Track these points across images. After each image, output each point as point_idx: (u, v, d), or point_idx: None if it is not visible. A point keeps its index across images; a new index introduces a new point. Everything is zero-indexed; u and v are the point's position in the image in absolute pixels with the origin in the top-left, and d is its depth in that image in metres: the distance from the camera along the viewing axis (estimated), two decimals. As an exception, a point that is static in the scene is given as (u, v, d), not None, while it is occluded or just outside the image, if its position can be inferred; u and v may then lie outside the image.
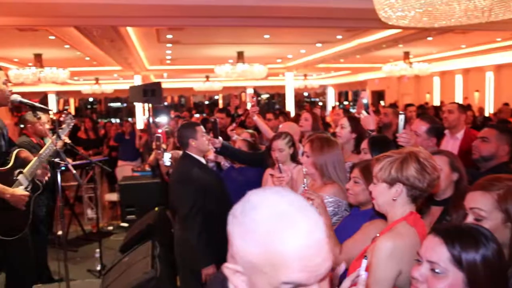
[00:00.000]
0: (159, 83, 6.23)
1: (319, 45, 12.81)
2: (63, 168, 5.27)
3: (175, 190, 3.08)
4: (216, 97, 28.20)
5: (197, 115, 15.31)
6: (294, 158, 3.20)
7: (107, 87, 21.87)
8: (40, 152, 2.87)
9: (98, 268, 4.57)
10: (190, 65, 17.15)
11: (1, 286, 4.04)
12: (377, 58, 15.18)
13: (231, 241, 0.90)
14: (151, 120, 6.36)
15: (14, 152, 2.72)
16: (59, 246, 5.22)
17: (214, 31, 10.39)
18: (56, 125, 3.10)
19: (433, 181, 1.65)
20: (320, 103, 27.25)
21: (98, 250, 4.66)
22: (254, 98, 4.59)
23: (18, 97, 2.73)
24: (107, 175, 6.87)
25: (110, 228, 5.94)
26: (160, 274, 3.03)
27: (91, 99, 28.80)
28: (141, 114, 17.35)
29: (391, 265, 1.57)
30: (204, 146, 3.13)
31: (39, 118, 2.81)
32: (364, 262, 1.21)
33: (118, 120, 20.35)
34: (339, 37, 11.40)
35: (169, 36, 10.85)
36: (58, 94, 24.29)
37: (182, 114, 11.50)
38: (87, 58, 14.06)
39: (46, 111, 2.98)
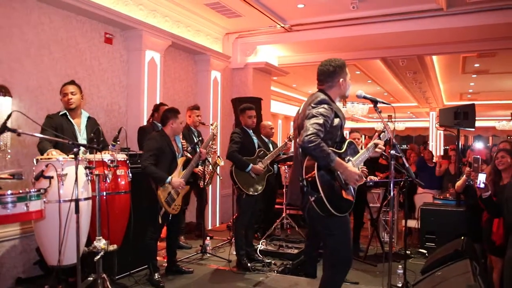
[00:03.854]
0: (473, 105, 5.83)
1: None
2: (370, 183, 5.54)
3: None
4: (520, 140, 24.64)
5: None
6: None
7: (399, 125, 22.07)
8: (368, 146, 3.11)
9: (399, 284, 4.49)
10: (493, 100, 15.64)
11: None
12: None
13: None
14: (460, 145, 6.00)
15: (347, 141, 2.98)
16: (358, 258, 5.53)
17: (532, 56, 9.19)
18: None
19: None
20: None
21: (400, 266, 4.61)
22: None
23: (362, 93, 3.04)
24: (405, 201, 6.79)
25: (408, 252, 5.82)
26: (485, 292, 2.72)
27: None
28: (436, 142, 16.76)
29: None
30: None
31: (380, 112, 2.99)
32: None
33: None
34: None
35: (476, 65, 10.17)
36: (352, 131, 25.98)
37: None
38: (385, 94, 14.56)
39: (388, 104, 3.15)
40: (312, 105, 2.83)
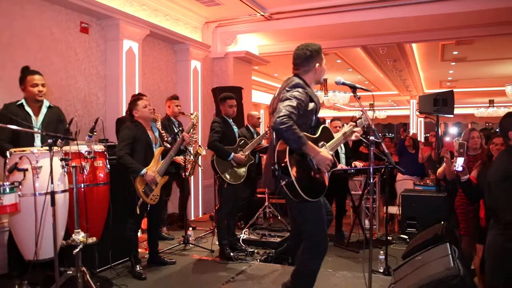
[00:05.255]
0: (451, 92, 5.88)
1: None
2: (352, 170, 5.55)
3: (494, 189, 2.67)
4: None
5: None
6: None
7: (381, 113, 22.29)
8: (345, 131, 3.14)
9: (381, 270, 4.54)
10: (472, 88, 15.86)
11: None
12: None
13: None
14: (439, 132, 6.05)
15: (321, 127, 2.98)
16: (341, 245, 5.58)
17: (509, 42, 9.27)
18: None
19: None
20: None
21: (382, 252, 4.65)
22: None
23: (341, 79, 3.03)
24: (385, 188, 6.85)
25: (389, 238, 5.88)
26: (464, 274, 2.75)
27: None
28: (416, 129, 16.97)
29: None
30: None
31: (359, 98, 2.98)
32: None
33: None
34: None
35: (455, 53, 10.27)
36: (333, 119, 26.05)
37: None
38: (366, 82, 14.63)
39: (367, 90, 3.14)
40: (287, 88, 2.83)
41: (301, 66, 2.96)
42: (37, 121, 3.84)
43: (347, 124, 3.49)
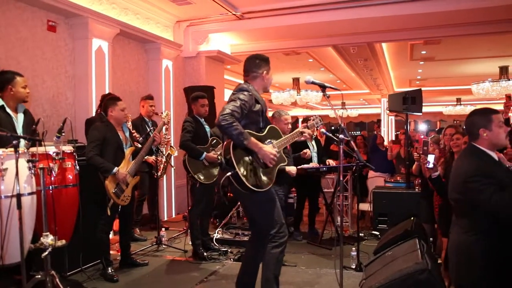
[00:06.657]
0: (419, 90, 6.02)
1: None
2: (323, 169, 5.60)
3: (457, 189, 2.65)
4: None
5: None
6: None
7: (353, 111, 22.59)
8: (293, 132, 3.47)
9: (353, 266, 4.61)
10: (440, 86, 16.23)
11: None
12: None
13: None
14: (409, 129, 6.18)
15: (268, 127, 3.24)
16: (314, 243, 5.63)
17: (474, 43, 9.55)
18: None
19: None
20: None
21: (354, 248, 4.73)
22: None
23: (311, 78, 3.12)
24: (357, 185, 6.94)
25: (361, 234, 5.98)
26: (432, 268, 2.82)
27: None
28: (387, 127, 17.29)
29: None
30: (498, 139, 2.61)
31: (328, 97, 3.05)
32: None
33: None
34: None
35: (423, 52, 10.49)
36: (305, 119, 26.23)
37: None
38: (338, 81, 14.78)
39: (337, 89, 3.26)
40: (234, 92, 3.15)
41: (250, 72, 3.26)
42: (19, 123, 3.73)
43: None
